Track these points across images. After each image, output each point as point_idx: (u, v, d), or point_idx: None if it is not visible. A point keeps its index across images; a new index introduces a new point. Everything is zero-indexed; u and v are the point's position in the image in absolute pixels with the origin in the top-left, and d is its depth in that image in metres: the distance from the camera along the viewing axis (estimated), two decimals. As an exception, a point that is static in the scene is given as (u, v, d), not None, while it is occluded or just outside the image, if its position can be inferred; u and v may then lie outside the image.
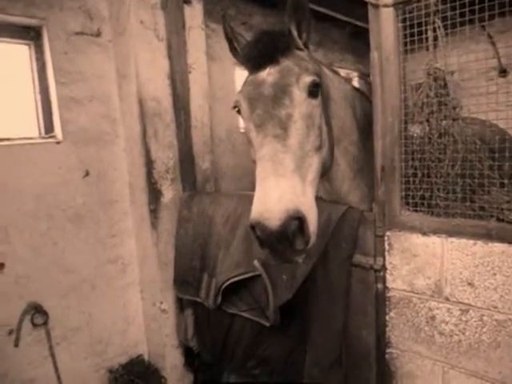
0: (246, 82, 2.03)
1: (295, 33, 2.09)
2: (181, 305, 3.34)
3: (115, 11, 3.19)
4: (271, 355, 2.61)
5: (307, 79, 1.91)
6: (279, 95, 1.87)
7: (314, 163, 1.90)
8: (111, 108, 3.33)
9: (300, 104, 1.89)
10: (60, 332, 3.07)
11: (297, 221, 1.60)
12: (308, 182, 1.79)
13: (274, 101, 1.87)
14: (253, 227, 1.64)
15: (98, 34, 3.23)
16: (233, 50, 2.31)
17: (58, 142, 3.03)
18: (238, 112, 2.05)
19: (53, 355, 3.01)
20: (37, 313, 2.94)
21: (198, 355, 3.29)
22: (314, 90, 1.93)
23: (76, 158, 3.12)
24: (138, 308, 3.59)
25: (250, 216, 1.64)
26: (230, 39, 2.29)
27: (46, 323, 2.97)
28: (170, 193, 3.25)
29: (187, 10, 3.35)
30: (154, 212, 3.18)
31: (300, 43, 2.10)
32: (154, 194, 3.17)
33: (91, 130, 3.21)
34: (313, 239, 1.69)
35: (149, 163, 3.13)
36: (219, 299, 2.70)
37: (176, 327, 3.39)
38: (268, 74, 1.93)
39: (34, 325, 2.93)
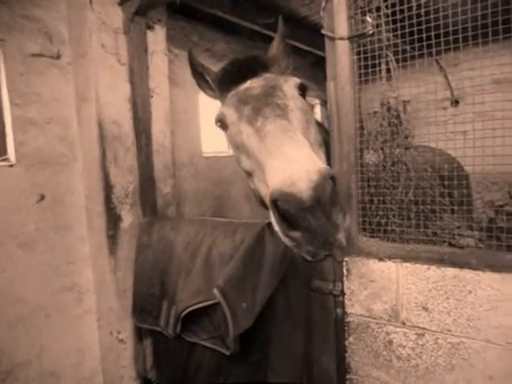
0: (227, 98, 1.97)
1: (280, 57, 2.16)
2: (139, 334, 3.23)
3: (76, 34, 3.15)
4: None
5: (295, 79, 1.92)
6: (271, 91, 1.78)
7: (322, 157, 1.75)
8: (70, 131, 3.25)
9: (294, 98, 1.82)
10: (6, 367, 2.86)
11: (331, 181, 1.30)
12: None
13: (267, 95, 1.75)
14: (274, 203, 1.30)
15: (58, 57, 3.18)
16: (203, 85, 2.31)
17: (11, 165, 2.91)
18: (221, 126, 1.96)
19: (-3, 394, 2.81)
20: (-20, 348, 2.75)
21: (156, 387, 3.17)
22: (303, 94, 1.92)
23: (30, 182, 3.00)
24: (94, 338, 3.42)
25: (271, 189, 1.31)
26: (200, 73, 2.30)
27: (-11, 359, 2.78)
28: (129, 218, 3.17)
29: (150, 35, 3.37)
30: (112, 238, 3.09)
31: (282, 68, 2.17)
32: (113, 219, 3.09)
33: (48, 152, 3.11)
34: (346, 210, 1.40)
35: (107, 188, 3.06)
36: (179, 327, 2.63)
37: (134, 358, 3.25)
38: (252, 83, 1.90)
39: (-23, 361, 2.73)
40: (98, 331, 3.42)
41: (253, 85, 1.90)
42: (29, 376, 3.00)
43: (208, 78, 2.28)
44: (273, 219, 1.38)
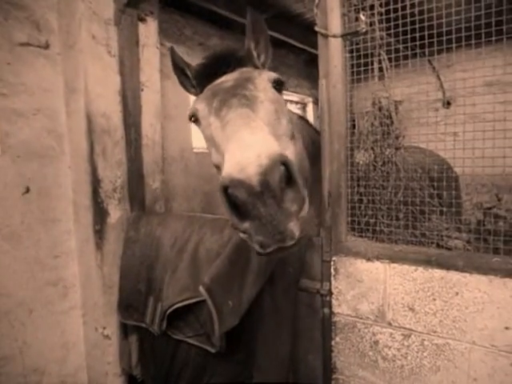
0: (202, 93, 1.95)
1: (254, 53, 2.12)
2: (125, 330, 3.18)
3: (65, 24, 3.09)
4: (217, 382, 2.53)
5: (271, 73, 1.89)
6: (242, 84, 1.75)
7: (290, 148, 1.71)
8: (58, 123, 3.18)
9: (265, 90, 1.78)
10: (-12, 363, 2.83)
11: (283, 167, 1.23)
12: None
13: (237, 87, 1.72)
14: (225, 190, 1.25)
15: (46, 47, 3.11)
16: (184, 82, 2.27)
17: (-3, 157, 2.85)
18: (195, 121, 1.92)
19: (-21, 389, 2.76)
20: (-38, 342, 2.69)
21: (141, 383, 3.14)
22: (278, 88, 1.87)
23: (16, 174, 2.94)
24: (78, 333, 3.38)
25: (221, 176, 1.28)
26: (181, 69, 2.26)
27: (-28, 354, 2.72)
28: (116, 213, 3.13)
29: (142, 27, 3.31)
30: (99, 232, 3.05)
31: (258, 63, 2.12)
32: (100, 213, 3.04)
33: (35, 144, 3.05)
34: (305, 198, 1.32)
35: (95, 181, 3.01)
36: (164, 324, 2.60)
37: (119, 354, 3.22)
38: (226, 77, 1.88)
39: (-41, 356, 2.68)
40: (83, 327, 3.37)
41: (227, 78, 1.88)
42: (11, 372, 2.95)
43: (189, 74, 2.24)
44: (224, 209, 1.31)
